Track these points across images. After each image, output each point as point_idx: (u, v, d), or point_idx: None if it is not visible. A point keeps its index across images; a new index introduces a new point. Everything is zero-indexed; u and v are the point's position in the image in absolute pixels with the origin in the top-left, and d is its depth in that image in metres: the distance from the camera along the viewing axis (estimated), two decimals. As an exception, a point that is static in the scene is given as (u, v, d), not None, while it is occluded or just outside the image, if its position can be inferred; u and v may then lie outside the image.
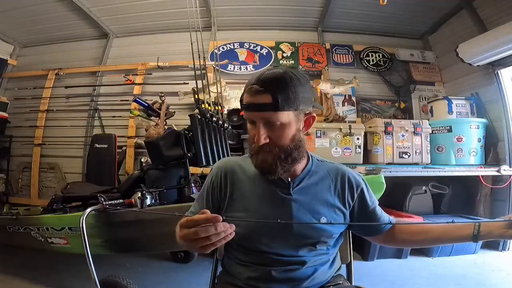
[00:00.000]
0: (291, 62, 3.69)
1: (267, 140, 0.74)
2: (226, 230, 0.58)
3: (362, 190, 0.87)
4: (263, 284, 0.81)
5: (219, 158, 2.17)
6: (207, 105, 2.30)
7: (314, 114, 0.80)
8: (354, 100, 3.64)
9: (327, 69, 3.68)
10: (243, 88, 0.77)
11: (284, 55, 3.71)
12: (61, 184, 3.46)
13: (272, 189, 0.82)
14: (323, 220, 0.81)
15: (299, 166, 0.83)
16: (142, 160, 2.42)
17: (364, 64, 3.74)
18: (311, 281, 0.82)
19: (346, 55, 3.77)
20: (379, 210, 0.90)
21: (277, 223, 0.74)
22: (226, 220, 0.59)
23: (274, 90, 0.70)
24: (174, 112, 3.17)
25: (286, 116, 0.72)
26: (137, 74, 3.68)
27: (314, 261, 0.83)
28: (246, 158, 0.87)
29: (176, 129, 2.33)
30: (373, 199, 0.90)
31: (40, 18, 3.63)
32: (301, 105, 0.74)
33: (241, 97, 0.78)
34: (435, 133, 3.05)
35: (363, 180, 0.90)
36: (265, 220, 0.78)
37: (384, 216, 0.90)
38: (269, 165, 0.75)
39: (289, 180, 0.82)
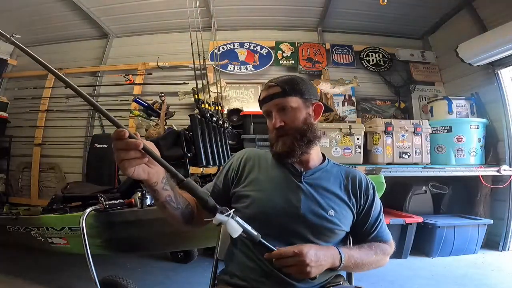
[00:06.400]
0: (291, 62, 3.68)
1: (282, 123, 0.85)
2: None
3: (369, 194, 0.90)
4: (262, 278, 0.81)
5: (219, 158, 2.17)
6: (207, 105, 2.30)
7: (321, 103, 0.92)
8: (354, 100, 3.64)
9: (327, 69, 3.67)
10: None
11: (284, 55, 3.71)
12: (61, 184, 3.46)
13: (285, 174, 0.89)
14: (331, 212, 0.84)
15: (314, 160, 0.92)
16: (142, 160, 2.41)
17: (364, 64, 3.74)
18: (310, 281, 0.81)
19: (346, 55, 3.77)
20: (380, 225, 0.91)
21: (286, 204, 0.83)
22: None
23: (282, 83, 0.87)
24: (174, 112, 3.16)
25: (294, 101, 0.87)
26: (137, 74, 3.68)
27: None
28: (267, 151, 0.97)
29: (176, 129, 2.33)
30: (377, 210, 0.91)
31: (40, 18, 3.63)
32: (307, 94, 0.89)
33: (258, 99, 0.92)
34: (435, 133, 3.05)
35: (373, 186, 0.93)
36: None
37: (383, 233, 0.92)
38: (288, 147, 0.85)
39: (302, 169, 0.89)
